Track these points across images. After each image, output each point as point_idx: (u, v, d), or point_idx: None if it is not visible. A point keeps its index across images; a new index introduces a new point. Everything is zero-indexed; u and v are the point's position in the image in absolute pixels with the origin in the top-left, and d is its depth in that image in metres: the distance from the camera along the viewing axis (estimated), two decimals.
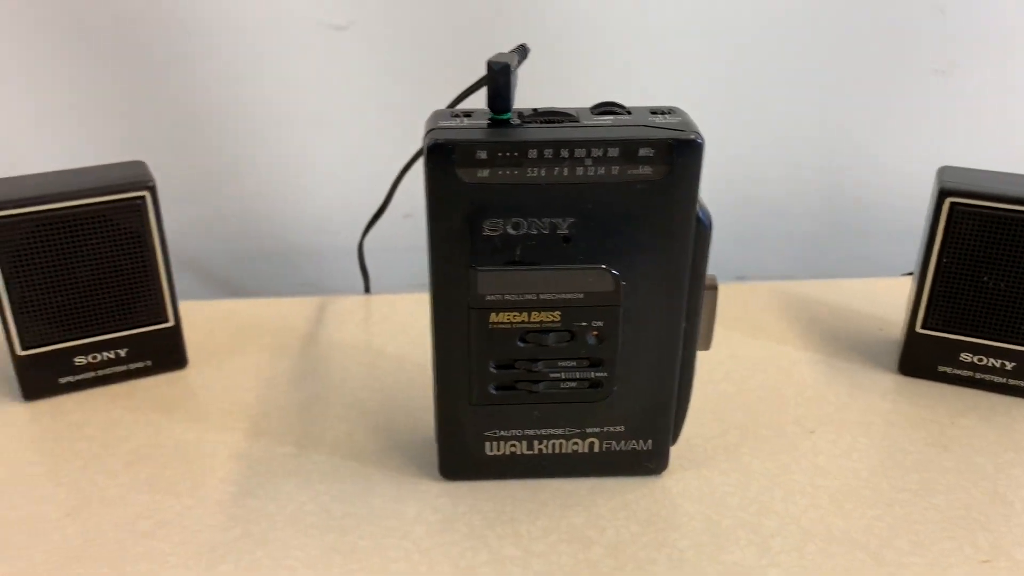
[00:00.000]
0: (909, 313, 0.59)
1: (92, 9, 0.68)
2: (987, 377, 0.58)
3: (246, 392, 0.59)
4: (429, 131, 0.42)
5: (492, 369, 0.47)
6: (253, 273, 0.78)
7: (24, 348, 0.56)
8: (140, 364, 0.60)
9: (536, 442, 0.49)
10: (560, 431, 0.49)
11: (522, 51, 0.46)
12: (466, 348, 0.46)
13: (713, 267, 0.71)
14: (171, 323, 0.59)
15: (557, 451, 0.50)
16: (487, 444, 0.49)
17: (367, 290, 0.73)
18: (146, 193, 0.55)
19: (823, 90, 0.75)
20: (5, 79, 0.69)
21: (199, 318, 0.66)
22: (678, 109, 0.45)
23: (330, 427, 0.56)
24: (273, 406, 0.58)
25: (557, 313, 0.45)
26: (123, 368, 0.59)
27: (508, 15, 0.70)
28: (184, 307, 0.62)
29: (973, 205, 0.55)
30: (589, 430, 0.49)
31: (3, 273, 0.53)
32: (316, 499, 0.49)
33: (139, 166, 0.58)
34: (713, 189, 0.77)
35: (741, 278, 0.77)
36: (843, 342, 0.65)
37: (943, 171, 0.58)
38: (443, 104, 0.68)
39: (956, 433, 0.55)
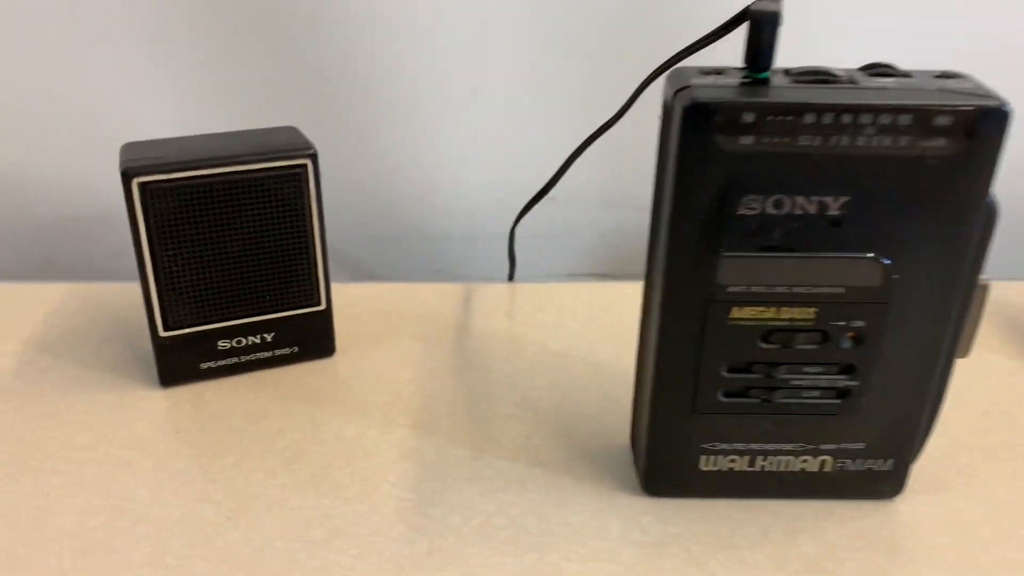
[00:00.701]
0: None
1: None
2: None
3: (403, 384, 0.53)
4: (680, 90, 0.36)
5: (724, 373, 0.40)
6: (382, 257, 0.72)
7: (167, 329, 0.51)
8: (286, 350, 0.54)
9: (760, 458, 0.43)
10: (790, 447, 0.43)
11: (780, 1, 0.39)
12: (696, 347, 0.40)
13: None
14: (323, 306, 0.54)
15: (783, 469, 0.43)
16: (703, 458, 0.43)
17: (511, 278, 0.66)
18: (308, 161, 0.50)
19: None
20: (146, 43, 0.64)
21: (341, 302, 0.60)
22: (968, 75, 0.38)
23: (505, 428, 0.49)
24: (437, 401, 0.52)
25: (812, 310, 0.39)
26: (268, 354, 0.54)
27: None
28: None
29: None
30: (824, 447, 0.42)
31: (152, 245, 0.48)
32: (505, 511, 0.43)
33: (295, 132, 0.53)
34: None
35: None
36: None
37: None
38: (615, 83, 0.61)
39: None
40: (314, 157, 0.50)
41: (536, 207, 0.65)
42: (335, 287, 0.60)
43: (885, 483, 0.44)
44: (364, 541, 0.42)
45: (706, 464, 0.43)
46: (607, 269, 0.73)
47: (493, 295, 0.64)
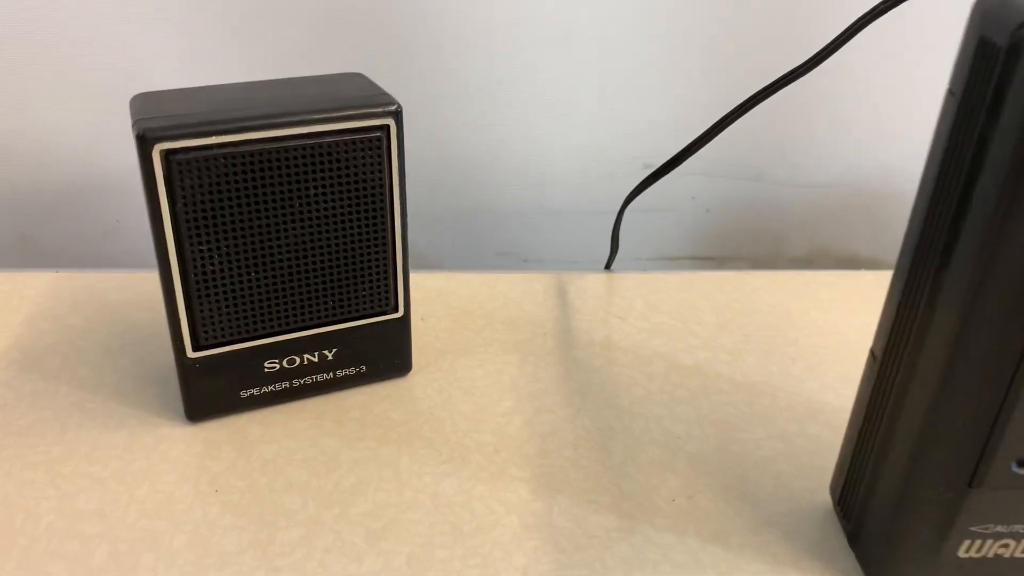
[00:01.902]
0: None
1: None
2: None
3: (506, 416, 0.41)
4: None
5: None
6: (437, 237, 0.59)
7: (198, 347, 0.37)
8: (352, 370, 0.41)
9: None
10: None
11: None
12: (1000, 394, 0.28)
13: None
14: (399, 313, 0.41)
15: None
16: (966, 543, 0.31)
17: (609, 266, 0.54)
18: (390, 122, 0.36)
19: None
20: None
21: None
22: None
23: (656, 482, 0.37)
24: (555, 441, 0.39)
25: None
26: (327, 376, 0.41)
27: None
28: None
29: None
30: None
31: (179, 235, 0.35)
32: None
33: (364, 81, 0.39)
34: None
35: None
36: None
37: None
38: (755, 26, 0.49)
39: None
40: (398, 116, 0.37)
41: (624, 177, 0.53)
42: None
43: None
44: None
45: (968, 550, 0.31)
46: (712, 252, 0.61)
47: (592, 288, 0.51)
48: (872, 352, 0.32)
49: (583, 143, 0.56)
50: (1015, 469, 0.29)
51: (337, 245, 0.38)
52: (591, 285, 0.52)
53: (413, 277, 0.50)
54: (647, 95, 0.54)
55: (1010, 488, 0.29)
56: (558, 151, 0.57)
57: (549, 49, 0.53)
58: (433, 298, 0.50)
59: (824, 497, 0.37)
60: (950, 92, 0.27)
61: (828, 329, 0.48)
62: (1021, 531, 0.31)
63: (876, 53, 0.54)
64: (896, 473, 0.30)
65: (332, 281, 0.38)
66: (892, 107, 0.56)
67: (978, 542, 0.31)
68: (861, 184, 0.60)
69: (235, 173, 0.35)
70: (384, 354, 0.42)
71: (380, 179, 0.37)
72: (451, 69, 0.53)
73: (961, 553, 0.31)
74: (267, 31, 0.51)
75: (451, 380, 0.43)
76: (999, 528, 0.31)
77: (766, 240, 0.61)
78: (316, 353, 0.40)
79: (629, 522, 0.35)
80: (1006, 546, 0.31)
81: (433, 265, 0.60)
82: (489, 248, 0.60)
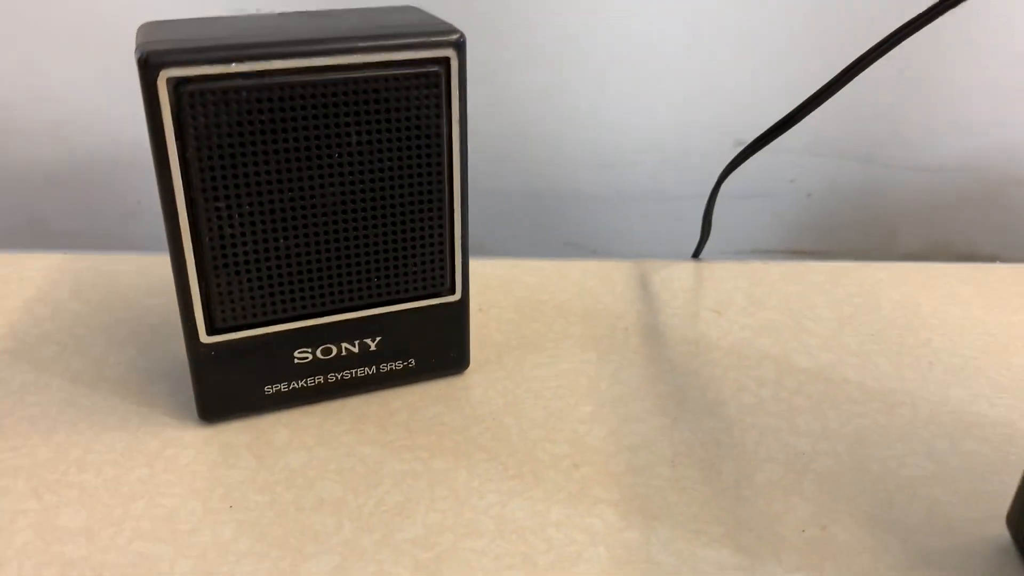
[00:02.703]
0: None
1: None
2: None
3: (585, 424, 0.33)
4: None
5: None
6: (495, 222, 0.52)
7: (212, 331, 0.31)
8: (398, 364, 0.34)
9: None
10: None
11: None
12: None
13: None
14: (457, 296, 0.34)
15: None
16: None
17: (697, 255, 0.46)
18: (451, 53, 0.29)
19: None
20: None
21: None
22: None
23: (780, 511, 0.29)
24: (648, 456, 0.32)
25: None
26: (370, 370, 0.34)
27: None
28: None
29: None
30: None
31: (189, 189, 0.28)
32: None
33: (418, 12, 0.32)
34: None
35: None
36: None
37: None
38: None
39: None
40: (460, 48, 0.30)
41: (714, 155, 0.45)
42: None
43: None
44: None
45: None
46: (815, 245, 0.53)
47: (679, 279, 0.44)
48: None
49: (666, 114, 0.49)
50: None
51: (383, 208, 0.31)
52: (679, 275, 0.44)
53: (483, 263, 0.43)
54: (742, 58, 0.47)
55: None
56: (637, 123, 0.49)
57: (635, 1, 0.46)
58: (495, 286, 0.42)
59: (998, 530, 0.29)
60: None
61: (969, 328, 0.40)
62: None
63: (991, 21, 0.46)
64: None
65: (376, 253, 0.31)
66: (1018, 77, 0.48)
67: None
68: (985, 168, 0.51)
69: (260, 111, 0.28)
70: (437, 346, 0.34)
71: (438, 127, 0.30)
72: (517, 22, 0.46)
73: None
74: None
75: (517, 380, 0.36)
76: None
77: (877, 232, 0.52)
78: (356, 342, 0.33)
79: (749, 559, 0.27)
80: None
81: (493, 251, 0.53)
82: (555, 237, 0.53)
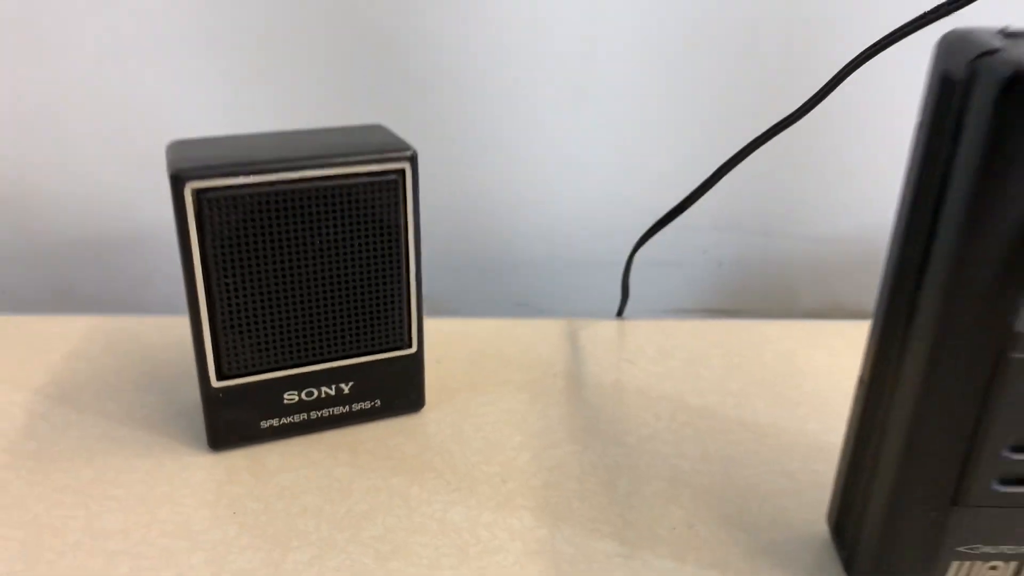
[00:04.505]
0: None
1: None
2: None
3: (515, 451, 0.42)
4: (982, 55, 0.25)
5: (1007, 453, 0.29)
6: (458, 286, 0.61)
7: (221, 377, 0.39)
8: (367, 404, 0.43)
9: None
10: None
11: None
12: (973, 417, 0.29)
13: None
14: (413, 349, 0.43)
15: None
16: (955, 564, 0.32)
17: (620, 313, 0.55)
18: (406, 166, 0.39)
19: None
20: (177, 19, 0.54)
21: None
22: None
23: (658, 513, 0.38)
24: (562, 474, 0.40)
25: None
26: (344, 409, 0.43)
27: None
28: None
29: None
30: None
31: (207, 269, 0.37)
32: None
33: (384, 132, 0.42)
34: None
35: None
36: None
37: None
38: (755, 82, 0.51)
39: None
40: (413, 160, 0.39)
41: (634, 230, 0.55)
42: None
43: None
44: None
45: (958, 571, 0.32)
46: (725, 305, 0.62)
47: (603, 334, 0.53)
48: (860, 377, 0.33)
49: (597, 196, 0.58)
50: (996, 487, 0.30)
51: (354, 281, 0.40)
52: (603, 331, 0.53)
53: (433, 322, 0.52)
54: (659, 148, 0.57)
55: (992, 506, 0.30)
56: (572, 203, 0.59)
57: (564, 106, 0.56)
58: (450, 341, 0.51)
59: (823, 527, 0.37)
60: (920, 124, 0.29)
61: (836, 374, 0.49)
62: (1009, 552, 0.31)
63: (876, 106, 0.56)
64: (883, 495, 0.31)
65: (349, 316, 0.41)
66: (900, 159, 0.58)
67: (969, 564, 0.32)
68: (872, 239, 0.61)
69: (260, 211, 0.37)
70: (398, 389, 0.43)
71: (396, 219, 0.39)
72: (470, 125, 0.56)
73: (951, 574, 0.32)
74: (298, 85, 0.55)
75: (463, 416, 0.45)
76: (986, 548, 0.31)
77: (779, 294, 0.62)
78: (333, 386, 0.42)
79: (630, 548, 0.36)
80: (995, 568, 0.32)
81: (454, 312, 0.62)
82: (507, 299, 0.62)
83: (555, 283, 0.61)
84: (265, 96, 0.55)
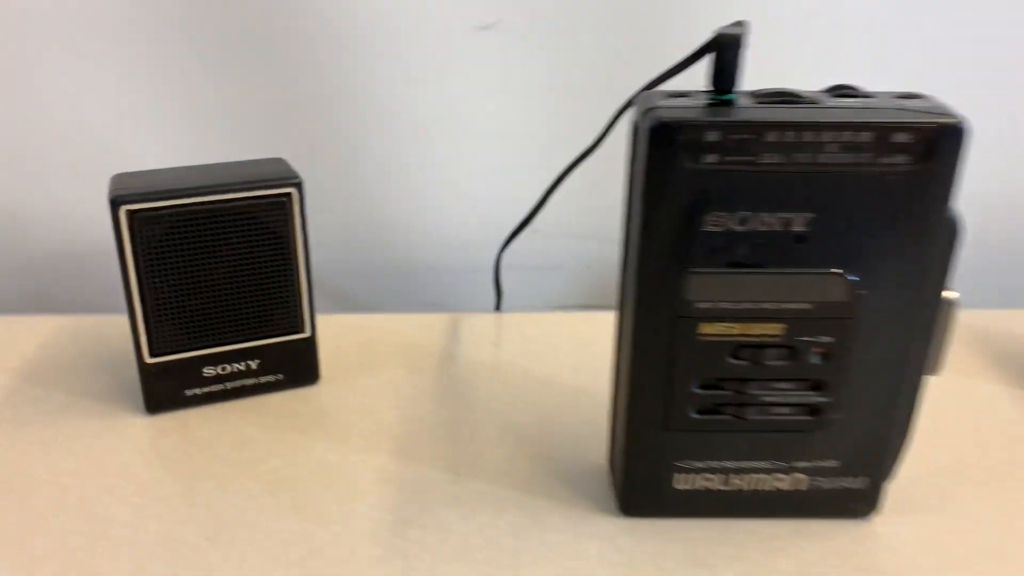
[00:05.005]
0: None
1: (231, 6, 0.64)
2: None
3: (385, 411, 0.54)
4: (647, 110, 0.37)
5: (695, 389, 0.41)
6: (375, 288, 0.73)
7: (153, 355, 0.51)
8: (271, 378, 0.55)
9: (734, 476, 0.43)
10: (764, 464, 0.43)
11: (744, 27, 0.41)
12: (667, 364, 0.41)
13: None
14: (307, 334, 0.55)
15: (757, 488, 0.44)
16: (677, 477, 0.43)
17: (498, 308, 0.67)
18: (292, 190, 0.51)
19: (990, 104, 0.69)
20: (134, 72, 0.66)
21: (325, 332, 0.61)
22: (928, 95, 0.39)
23: (487, 452, 0.50)
24: (418, 427, 0.52)
25: (780, 325, 0.39)
26: (253, 381, 0.54)
27: (672, 13, 0.65)
28: None
29: None
30: (798, 464, 0.43)
31: (139, 272, 0.49)
32: (482, 531, 0.44)
33: (281, 163, 0.54)
34: None
35: None
36: None
37: None
38: (594, 118, 0.63)
39: None
40: (299, 186, 0.51)
41: (523, 240, 0.66)
42: (323, 318, 0.61)
43: (860, 502, 0.44)
44: (340, 562, 0.42)
45: (680, 483, 0.44)
46: (594, 300, 0.74)
47: (479, 325, 0.65)
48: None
49: (484, 212, 0.70)
50: (693, 415, 0.42)
51: (257, 280, 0.52)
52: (479, 322, 0.65)
53: (342, 316, 0.64)
54: (529, 175, 0.69)
55: (693, 430, 0.42)
56: (464, 219, 0.71)
57: (450, 137, 0.68)
58: (353, 331, 0.63)
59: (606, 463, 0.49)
60: (627, 160, 0.41)
61: None
62: (715, 466, 0.43)
63: None
64: (622, 427, 0.43)
65: (253, 307, 0.52)
66: None
67: (686, 476, 0.43)
68: None
69: (179, 226, 0.49)
70: (296, 365, 0.55)
71: (287, 232, 0.51)
72: (374, 156, 0.68)
73: (677, 486, 0.44)
74: (226, 123, 0.67)
75: (351, 388, 0.56)
76: (697, 464, 0.43)
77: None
78: (243, 363, 0.54)
79: (457, 476, 0.48)
80: (708, 479, 0.44)
81: (372, 309, 0.74)
82: (414, 298, 0.74)
83: (453, 285, 0.73)
84: (202, 134, 0.67)
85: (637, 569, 0.41)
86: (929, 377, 0.42)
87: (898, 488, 0.46)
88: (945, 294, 0.40)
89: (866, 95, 0.39)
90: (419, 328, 0.64)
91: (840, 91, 0.39)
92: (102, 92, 0.66)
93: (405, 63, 0.66)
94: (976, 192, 0.68)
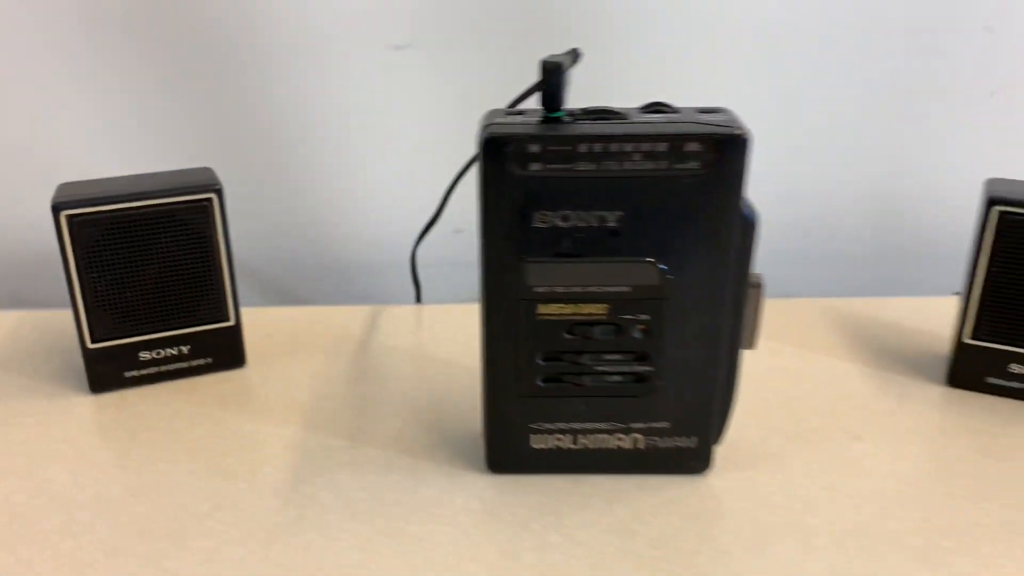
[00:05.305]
0: (957, 324, 0.59)
1: (166, 32, 0.72)
2: None
3: (301, 390, 0.61)
4: (485, 127, 0.44)
5: (539, 361, 0.48)
6: (313, 286, 0.81)
7: (94, 341, 0.59)
8: (201, 361, 0.62)
9: (581, 436, 0.50)
10: (605, 426, 0.50)
11: (574, 54, 0.48)
12: (515, 340, 0.48)
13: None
14: (232, 322, 0.62)
15: (602, 447, 0.51)
16: (533, 437, 0.51)
17: (419, 300, 0.75)
18: (213, 196, 0.58)
19: (871, 111, 0.76)
20: (86, 91, 0.73)
21: (259, 323, 0.68)
22: (727, 109, 0.46)
23: (382, 423, 0.57)
24: (327, 403, 0.59)
25: (604, 306, 0.47)
26: (185, 364, 0.62)
27: (560, 34, 0.72)
28: (246, 312, 0.65)
29: (1022, 214, 0.55)
30: (634, 425, 0.50)
31: (79, 268, 0.56)
32: (368, 488, 0.51)
33: (207, 172, 0.61)
34: (768, 209, 0.79)
35: (789, 296, 0.77)
36: (892, 356, 0.65)
37: (991, 182, 0.58)
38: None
39: (1006, 443, 0.55)
40: (219, 192, 0.58)
41: (447, 240, 0.74)
42: (256, 310, 0.69)
43: (693, 459, 0.51)
44: (242, 512, 0.49)
45: (536, 443, 0.51)
46: None
47: (399, 316, 0.72)
48: None
49: (404, 212, 0.78)
50: (540, 383, 0.49)
51: (184, 274, 0.59)
52: (400, 314, 0.73)
53: (273, 309, 0.72)
54: (445, 181, 0.76)
55: (542, 396, 0.49)
56: (385, 220, 0.78)
57: (380, 148, 0.76)
58: (281, 322, 0.71)
59: None
60: None
61: None
62: (564, 427, 0.50)
63: None
64: (487, 396, 0.50)
65: (182, 298, 0.60)
66: None
67: (541, 436, 0.51)
68: None
69: (113, 228, 0.56)
70: (223, 350, 0.63)
71: (209, 232, 0.59)
72: (303, 164, 0.76)
73: (533, 445, 0.51)
74: (168, 136, 0.74)
75: (274, 371, 0.64)
76: (548, 426, 0.50)
77: None
78: (175, 348, 0.61)
79: (354, 443, 0.55)
80: (559, 439, 0.51)
81: (302, 303, 0.81)
82: (350, 293, 0.81)
83: (382, 281, 0.81)
84: (139, 146, 0.75)
85: (494, 516, 0.49)
86: (745, 350, 0.49)
87: (736, 449, 0.53)
88: (751, 279, 0.47)
89: (674, 110, 0.46)
90: (343, 319, 0.71)
91: (653, 107, 0.46)
92: (51, 108, 0.74)
93: (329, 80, 0.74)
94: (841, 192, 0.76)
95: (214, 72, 0.73)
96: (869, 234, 0.80)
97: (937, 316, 0.70)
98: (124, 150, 0.75)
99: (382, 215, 0.78)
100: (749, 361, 0.63)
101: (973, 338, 0.59)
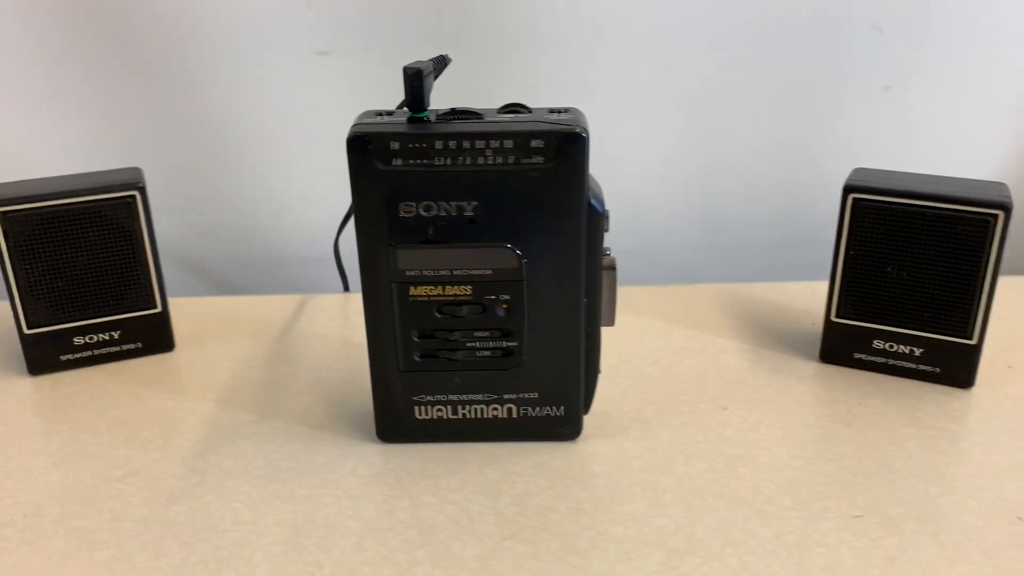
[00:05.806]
0: (826, 303, 0.64)
1: (103, 38, 0.77)
2: (898, 363, 0.63)
3: (222, 372, 0.66)
4: (354, 125, 0.49)
5: (415, 338, 0.53)
6: (247, 279, 0.86)
7: (29, 327, 0.64)
8: (131, 346, 0.67)
9: (460, 407, 0.55)
10: (480, 396, 0.55)
11: (440, 60, 0.53)
12: (392, 319, 0.53)
13: (672, 273, 0.78)
14: (159, 309, 0.67)
15: (479, 416, 0.56)
16: (416, 409, 0.56)
17: (346, 288, 0.80)
18: (136, 193, 0.63)
19: (775, 106, 0.81)
20: (25, 94, 0.79)
21: (190, 311, 0.73)
22: (575, 109, 0.51)
23: (292, 400, 0.62)
24: (244, 383, 0.65)
25: (469, 287, 0.52)
26: (116, 349, 0.67)
27: (478, 42, 0.77)
28: (178, 302, 0.70)
29: (872, 200, 0.60)
30: (506, 396, 0.55)
31: (12, 260, 0.62)
32: (267, 456, 0.56)
33: (134, 171, 0.66)
34: (677, 202, 0.84)
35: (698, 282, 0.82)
36: (774, 335, 0.70)
37: (855, 171, 0.63)
38: None
39: (861, 412, 0.60)
40: (142, 190, 0.64)
41: None
42: (190, 299, 0.74)
43: (563, 426, 0.56)
44: (151, 478, 0.54)
45: (420, 413, 0.56)
46: None
47: (326, 303, 0.77)
48: None
49: (340, 210, 0.83)
50: (417, 358, 0.54)
51: (112, 264, 0.64)
52: (327, 302, 0.78)
53: (211, 298, 0.77)
54: None
55: (419, 370, 0.54)
56: (314, 215, 0.84)
57: (306, 147, 0.81)
58: (214, 310, 0.76)
59: None
60: None
61: None
62: (443, 399, 0.55)
63: None
64: (373, 368, 0.55)
65: (111, 286, 0.65)
66: None
67: (423, 408, 0.56)
68: None
69: (44, 223, 0.62)
70: (152, 336, 0.68)
71: (133, 227, 0.64)
72: (236, 161, 0.81)
73: (418, 416, 0.56)
74: (111, 138, 0.80)
75: (200, 354, 0.69)
76: (429, 398, 0.55)
77: None
78: (107, 333, 0.66)
79: (263, 417, 0.60)
80: (440, 410, 0.56)
81: (236, 292, 0.87)
82: (284, 285, 0.87)
83: (316, 273, 0.86)
84: (82, 147, 0.80)
85: (377, 480, 0.54)
86: (606, 327, 0.54)
87: (608, 419, 0.58)
88: (606, 262, 0.52)
89: (528, 110, 0.51)
90: (272, 307, 0.77)
91: (509, 108, 0.51)
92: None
93: (259, 84, 0.79)
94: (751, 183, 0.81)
95: (149, 77, 0.79)
96: (774, 222, 0.85)
97: (824, 298, 0.74)
98: (62, 153, 0.81)
99: (310, 208, 0.84)
100: (637, 340, 0.68)
101: (839, 316, 0.64)
